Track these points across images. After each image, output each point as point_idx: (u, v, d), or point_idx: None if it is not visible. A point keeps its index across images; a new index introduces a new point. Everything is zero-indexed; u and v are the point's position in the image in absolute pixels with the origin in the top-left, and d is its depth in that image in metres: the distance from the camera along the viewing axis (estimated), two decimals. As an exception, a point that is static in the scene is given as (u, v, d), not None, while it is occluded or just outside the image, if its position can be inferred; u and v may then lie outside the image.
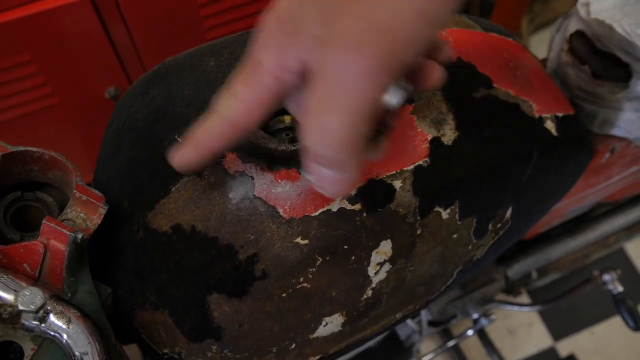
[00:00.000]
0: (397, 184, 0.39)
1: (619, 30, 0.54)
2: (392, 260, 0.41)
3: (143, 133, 0.42)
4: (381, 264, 0.41)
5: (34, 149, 0.39)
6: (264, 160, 0.38)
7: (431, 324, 0.97)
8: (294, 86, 0.30)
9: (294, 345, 0.43)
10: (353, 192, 0.38)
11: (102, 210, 0.38)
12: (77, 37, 0.90)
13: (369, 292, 0.42)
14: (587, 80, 0.58)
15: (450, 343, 0.98)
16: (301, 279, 0.38)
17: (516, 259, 0.96)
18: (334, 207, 0.38)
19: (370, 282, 0.42)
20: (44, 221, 0.36)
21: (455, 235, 0.44)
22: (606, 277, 0.85)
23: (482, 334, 1.05)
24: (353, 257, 0.39)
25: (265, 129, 0.39)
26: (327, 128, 0.27)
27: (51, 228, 0.35)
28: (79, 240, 0.36)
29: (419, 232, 0.41)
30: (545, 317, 1.35)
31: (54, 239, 0.36)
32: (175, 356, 0.42)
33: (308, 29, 0.28)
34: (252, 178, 0.38)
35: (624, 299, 0.85)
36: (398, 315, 0.49)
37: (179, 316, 0.40)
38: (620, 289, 0.85)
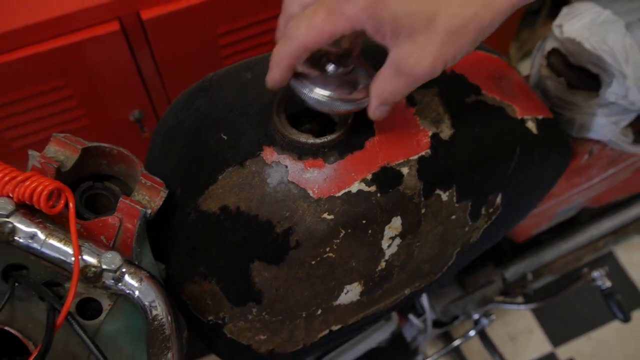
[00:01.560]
0: (405, 170, 0.48)
1: (588, 46, 0.63)
2: (402, 235, 0.49)
3: (191, 134, 0.51)
4: (393, 238, 0.49)
5: (106, 145, 0.48)
6: (295, 152, 0.47)
7: (435, 324, 1.04)
8: None
9: (319, 312, 0.51)
10: (369, 177, 0.47)
11: (164, 193, 0.46)
12: (108, 64, 1.00)
13: (383, 264, 0.50)
14: (563, 90, 0.67)
15: (456, 343, 1.05)
16: (327, 249, 0.46)
17: (512, 262, 1.04)
18: (354, 189, 0.46)
19: (384, 254, 0.50)
20: (120, 199, 0.44)
21: (453, 217, 0.52)
22: (595, 273, 0.93)
23: (483, 336, 1.12)
24: (370, 231, 0.47)
25: (296, 127, 0.48)
26: (397, 89, 0.42)
27: (126, 204, 0.44)
28: (148, 215, 0.44)
29: (423, 211, 0.49)
30: (544, 323, 1.42)
31: (128, 214, 0.44)
32: (219, 321, 0.50)
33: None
34: (286, 167, 0.46)
35: (612, 294, 0.92)
36: (407, 291, 0.57)
37: (225, 284, 0.48)
38: (608, 284, 0.93)
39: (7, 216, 0.42)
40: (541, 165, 0.59)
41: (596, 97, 0.66)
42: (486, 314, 1.02)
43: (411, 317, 0.95)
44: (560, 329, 1.41)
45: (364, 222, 0.47)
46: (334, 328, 0.55)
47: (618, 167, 0.81)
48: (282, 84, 0.44)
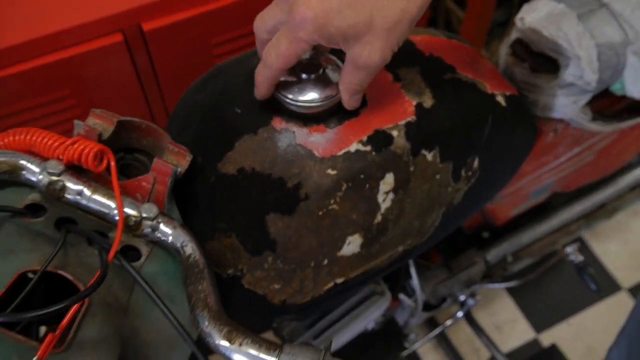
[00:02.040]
0: (395, 133, 0.56)
1: (546, 34, 0.73)
2: (394, 190, 0.57)
3: (209, 110, 0.58)
4: (387, 193, 0.57)
5: (137, 120, 0.55)
6: (301, 120, 0.55)
7: (425, 308, 1.11)
8: None
9: (326, 261, 0.58)
10: (364, 138, 0.55)
11: (189, 157, 0.54)
12: (111, 74, 1.07)
13: (379, 217, 0.58)
14: (527, 74, 0.76)
15: (447, 323, 1.12)
16: (332, 201, 0.54)
17: (493, 245, 1.12)
18: (352, 149, 0.54)
19: (380, 207, 0.57)
20: (154, 159, 0.51)
21: (437, 176, 0.60)
22: (568, 249, 1.02)
23: (470, 319, 1.20)
24: (367, 185, 0.55)
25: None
26: (360, 80, 0.50)
27: (160, 164, 0.51)
28: (178, 174, 0.52)
29: (411, 169, 0.57)
30: (527, 312, 1.49)
31: (161, 173, 0.51)
32: (238, 273, 0.57)
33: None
34: (294, 132, 0.54)
35: (585, 267, 1.01)
36: (400, 249, 0.65)
37: (243, 236, 0.55)
38: (580, 258, 1.01)
39: (58, 175, 0.49)
40: (511, 135, 0.67)
41: (556, 79, 0.75)
42: (472, 295, 1.10)
43: (402, 297, 1.02)
44: (542, 317, 1.49)
45: (362, 176, 0.54)
46: (338, 281, 0.62)
47: (582, 145, 0.91)
48: (268, 96, 0.54)
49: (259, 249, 0.55)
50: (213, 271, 0.48)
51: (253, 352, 0.42)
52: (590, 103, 0.79)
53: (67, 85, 1.05)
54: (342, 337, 0.92)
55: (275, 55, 0.49)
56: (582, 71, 0.73)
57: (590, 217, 1.22)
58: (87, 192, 0.49)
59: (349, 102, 0.53)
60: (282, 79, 0.53)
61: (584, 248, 1.58)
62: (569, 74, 0.73)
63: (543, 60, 0.76)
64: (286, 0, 0.48)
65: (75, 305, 0.44)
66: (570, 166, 0.95)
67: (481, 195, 0.71)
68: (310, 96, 0.53)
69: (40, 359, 0.41)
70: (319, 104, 0.53)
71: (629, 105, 0.86)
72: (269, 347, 0.42)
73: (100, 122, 0.53)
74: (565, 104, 0.77)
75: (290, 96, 0.53)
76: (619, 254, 1.60)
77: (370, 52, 0.48)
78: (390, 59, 0.49)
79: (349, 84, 0.51)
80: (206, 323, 0.44)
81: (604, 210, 1.25)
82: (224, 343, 0.43)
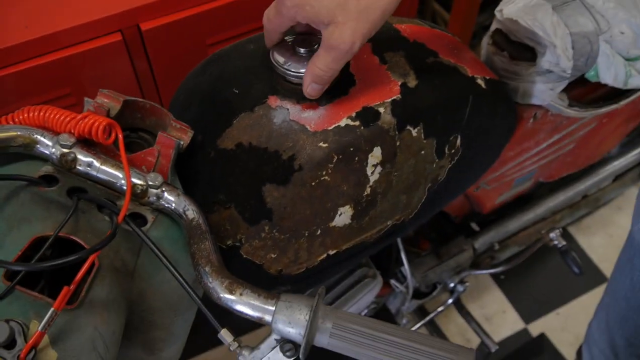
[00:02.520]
0: (381, 109, 0.60)
1: (523, 24, 0.77)
2: (382, 163, 0.61)
3: (207, 91, 0.62)
4: (375, 166, 0.61)
5: (141, 100, 0.59)
6: (294, 98, 0.59)
7: (415, 296, 1.15)
8: None
9: (319, 232, 0.62)
10: (353, 114, 0.59)
11: (190, 133, 0.58)
12: (110, 72, 1.11)
13: (368, 190, 0.62)
14: (507, 62, 0.81)
15: (440, 308, 1.16)
16: (324, 172, 0.58)
17: (480, 233, 1.16)
18: (342, 123, 0.58)
19: (369, 180, 0.61)
20: (159, 133, 0.55)
21: (422, 152, 0.64)
22: (552, 234, 1.06)
23: (460, 306, 1.23)
24: (356, 158, 0.59)
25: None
26: (326, 64, 0.53)
27: (164, 137, 0.55)
28: (181, 146, 0.56)
29: (398, 143, 0.61)
30: (515, 303, 1.53)
31: (165, 145, 0.55)
32: (237, 243, 0.61)
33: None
34: (288, 109, 0.58)
35: (567, 250, 1.05)
36: (389, 223, 0.69)
37: (242, 207, 0.59)
38: (563, 242, 1.06)
39: (70, 147, 0.52)
40: (491, 116, 0.72)
41: (534, 66, 0.80)
42: (461, 282, 1.14)
43: (394, 282, 1.06)
44: (531, 308, 1.53)
45: (351, 149, 0.59)
46: (331, 252, 0.66)
47: (562, 133, 0.95)
48: (275, 42, 0.59)
49: (257, 218, 0.59)
50: (214, 236, 0.52)
51: (253, 301, 0.46)
52: (568, 90, 0.84)
53: (67, 84, 1.08)
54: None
55: (266, 19, 0.56)
56: (557, 58, 0.78)
57: (574, 207, 1.26)
58: (96, 163, 0.53)
59: (307, 87, 0.55)
60: (281, 54, 0.57)
61: (570, 241, 1.63)
62: (545, 61, 0.78)
63: (521, 49, 0.80)
64: None
65: (87, 264, 0.48)
66: (551, 154, 0.99)
67: (465, 175, 0.75)
68: (304, 69, 0.56)
69: (56, 310, 0.45)
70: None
71: (605, 93, 0.91)
72: (267, 296, 0.46)
73: (108, 100, 0.56)
74: (543, 90, 0.82)
75: (288, 70, 0.57)
76: (604, 247, 1.64)
77: (341, 33, 0.51)
78: (361, 46, 0.52)
79: (314, 66, 0.54)
80: (209, 278, 0.47)
81: (587, 201, 1.30)
82: (227, 295, 0.47)
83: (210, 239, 0.50)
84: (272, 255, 0.62)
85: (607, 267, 1.61)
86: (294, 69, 0.56)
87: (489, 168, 0.83)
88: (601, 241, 1.65)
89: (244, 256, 0.62)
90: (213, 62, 0.65)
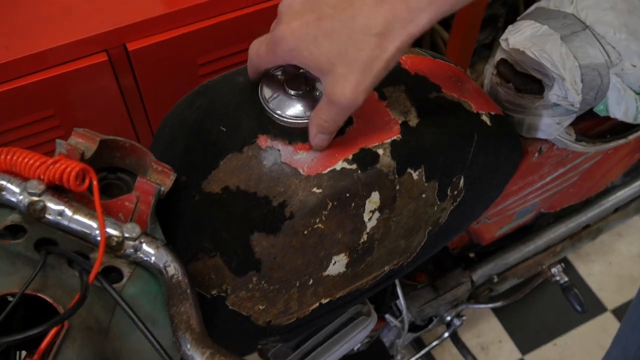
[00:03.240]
0: (380, 151, 0.56)
1: (530, 55, 0.74)
2: (380, 209, 0.57)
3: (194, 128, 0.58)
4: (373, 212, 0.56)
5: (120, 139, 0.54)
6: (286, 138, 0.54)
7: (411, 329, 1.10)
8: None
9: (311, 281, 0.57)
10: (350, 157, 0.54)
11: (173, 176, 0.53)
12: (95, 93, 1.06)
13: (365, 236, 0.57)
14: (512, 94, 0.77)
15: (434, 343, 1.11)
16: (317, 220, 0.54)
17: (479, 265, 1.12)
18: (338, 167, 0.54)
19: (366, 227, 0.57)
20: (138, 178, 0.50)
21: (424, 195, 0.60)
22: (553, 270, 1.02)
23: (456, 339, 1.19)
24: (353, 204, 0.55)
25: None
26: (330, 117, 0.50)
27: (143, 183, 0.50)
28: (162, 193, 0.51)
29: (397, 187, 0.57)
30: (512, 333, 1.49)
31: (144, 192, 0.50)
32: (222, 294, 0.56)
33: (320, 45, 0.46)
34: (279, 150, 0.54)
35: (570, 287, 1.01)
36: (386, 269, 0.64)
37: (228, 256, 0.54)
38: (565, 279, 1.01)
39: (39, 195, 0.48)
40: (496, 154, 0.68)
41: (541, 99, 0.76)
42: (458, 315, 1.09)
43: (389, 317, 1.01)
44: (527, 338, 1.49)
45: (347, 195, 0.54)
46: (324, 301, 0.61)
47: (567, 166, 0.91)
48: (255, 81, 0.56)
49: (244, 269, 0.54)
50: (196, 292, 0.47)
51: (238, 376, 0.41)
52: (575, 124, 0.80)
53: (51, 105, 1.04)
54: (328, 359, 0.91)
55: (255, 54, 0.52)
56: (566, 92, 0.74)
57: (575, 238, 1.22)
58: (68, 212, 0.48)
59: (314, 138, 0.52)
60: (270, 94, 0.53)
61: (569, 269, 1.59)
62: (553, 95, 0.74)
63: (528, 81, 0.76)
64: (276, 20, 0.49)
65: (54, 329, 0.43)
66: (555, 187, 0.95)
67: (467, 215, 0.71)
68: (297, 112, 0.53)
69: (16, 384, 0.40)
70: (305, 120, 0.53)
71: (613, 126, 0.87)
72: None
73: (83, 141, 0.52)
74: (550, 124, 0.78)
75: (278, 111, 0.53)
76: (604, 275, 1.60)
77: (342, 87, 0.47)
78: (364, 100, 0.48)
79: (319, 118, 0.50)
80: (188, 346, 0.42)
81: (588, 231, 1.26)
82: (207, 366, 0.42)
83: (191, 300, 0.46)
84: (260, 307, 0.57)
85: (606, 296, 1.57)
86: (285, 111, 0.52)
87: (490, 205, 0.79)
88: (601, 269, 1.62)
89: (230, 307, 0.57)
90: (200, 93, 0.61)
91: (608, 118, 0.81)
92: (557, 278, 1.01)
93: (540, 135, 0.79)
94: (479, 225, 0.95)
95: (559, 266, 1.02)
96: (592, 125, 0.87)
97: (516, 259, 1.14)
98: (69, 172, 0.47)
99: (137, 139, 1.21)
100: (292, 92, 0.53)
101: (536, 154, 0.83)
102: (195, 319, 0.44)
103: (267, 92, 0.54)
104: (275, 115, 0.53)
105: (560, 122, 0.78)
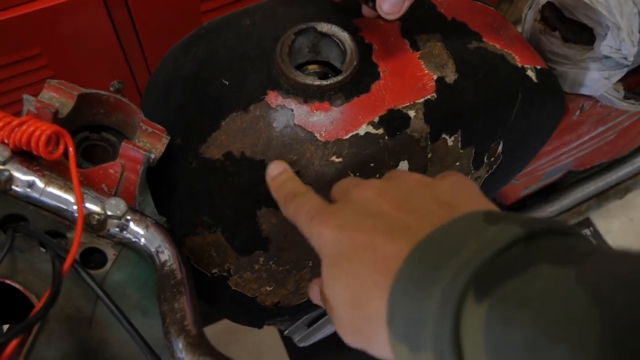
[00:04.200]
0: (412, 113, 0.47)
1: (583, -2, 0.63)
2: (408, 181, 0.48)
3: (190, 80, 0.49)
4: (399, 184, 0.48)
5: (102, 92, 0.46)
6: (301, 96, 0.45)
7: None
8: None
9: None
10: (376, 119, 0.46)
11: (165, 139, 0.45)
12: (85, 30, 0.96)
13: (389, 211, 0.50)
14: (557, 44, 0.67)
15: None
16: (335, 194, 0.45)
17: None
18: (361, 132, 0.45)
19: (390, 201, 0.49)
20: (122, 144, 0.42)
21: (457, 164, 0.52)
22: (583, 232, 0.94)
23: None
24: (378, 175, 0.47)
25: (301, 71, 0.46)
26: None
27: (129, 149, 0.42)
28: (151, 161, 0.43)
29: (429, 156, 0.49)
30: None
31: (130, 160, 0.42)
32: (224, 274, 0.49)
33: None
34: (292, 110, 0.45)
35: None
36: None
37: (230, 233, 0.47)
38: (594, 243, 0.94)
39: (3, 163, 0.40)
40: (540, 114, 0.59)
41: (590, 50, 0.66)
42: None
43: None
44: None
45: (372, 165, 0.46)
46: (339, 280, 0.54)
47: (607, 125, 0.82)
48: None
49: (249, 248, 0.47)
50: (193, 282, 0.40)
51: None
52: (623, 79, 0.70)
53: (36, 43, 0.94)
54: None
55: None
56: (620, 43, 0.64)
57: (602, 196, 1.15)
58: (39, 183, 0.40)
59: (385, 3, 0.42)
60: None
61: (589, 225, 1.52)
62: (605, 46, 0.64)
63: (577, 29, 0.66)
64: None
65: (10, 347, 0.36)
66: (591, 146, 0.87)
67: (500, 181, 0.63)
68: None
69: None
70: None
71: (663, 81, 0.77)
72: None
73: (57, 95, 0.43)
74: (597, 79, 0.68)
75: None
76: (624, 232, 1.54)
77: None
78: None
79: None
80: (182, 351, 0.35)
81: (616, 190, 1.18)
82: (205, 377, 0.35)
83: (187, 293, 0.38)
84: (268, 288, 0.50)
85: (625, 253, 1.50)
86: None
87: (524, 168, 0.71)
88: (621, 225, 1.54)
89: (233, 288, 0.50)
90: (199, 39, 0.51)
91: (660, 72, 0.72)
92: (584, 243, 0.94)
93: (585, 91, 0.70)
94: (506, 186, 0.87)
95: (587, 230, 0.94)
96: (638, 80, 0.77)
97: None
98: (39, 136, 0.39)
99: (134, 82, 1.11)
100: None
101: (577, 112, 0.74)
102: (191, 318, 0.37)
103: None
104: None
105: (609, 77, 0.68)
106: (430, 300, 0.25)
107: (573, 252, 0.24)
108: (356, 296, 0.29)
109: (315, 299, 0.38)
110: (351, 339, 0.32)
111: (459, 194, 0.32)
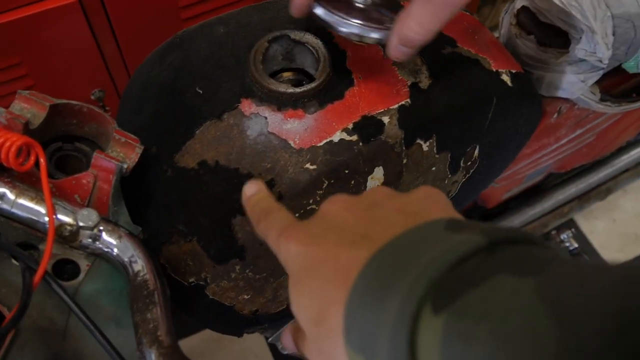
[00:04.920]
0: (386, 119, 0.47)
1: (557, 3, 0.64)
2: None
3: (165, 89, 0.49)
4: (375, 190, 0.48)
5: (75, 102, 0.45)
6: (274, 103, 0.46)
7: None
8: None
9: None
10: (350, 126, 0.46)
11: (139, 149, 0.45)
12: (65, 39, 0.96)
13: (366, 217, 0.50)
14: (533, 48, 0.68)
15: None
16: (310, 201, 0.46)
17: (483, 229, 1.05)
18: (336, 138, 0.46)
19: (367, 206, 0.49)
20: (94, 154, 0.42)
21: (434, 168, 0.52)
22: (563, 235, 0.95)
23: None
24: (352, 182, 0.47)
25: (275, 79, 0.46)
26: (427, 27, 0.40)
27: (101, 159, 0.42)
28: (124, 171, 0.43)
29: (404, 161, 0.49)
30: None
31: (103, 170, 0.42)
32: (201, 282, 0.49)
33: None
34: (266, 118, 0.45)
35: (579, 255, 0.94)
36: (388, 248, 0.57)
37: (206, 242, 0.47)
38: (575, 245, 0.95)
39: (-27, 174, 0.39)
40: (516, 118, 0.59)
41: (566, 54, 0.67)
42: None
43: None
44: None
45: (346, 171, 0.46)
46: (318, 287, 0.54)
47: (585, 127, 0.83)
48: (306, 9, 0.44)
49: (225, 256, 0.47)
50: (167, 292, 0.40)
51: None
52: (599, 81, 0.71)
53: (16, 52, 0.93)
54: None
55: None
56: (594, 46, 0.65)
57: (583, 198, 1.16)
58: (10, 195, 0.40)
59: (394, 49, 0.42)
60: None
61: (571, 226, 1.53)
62: (580, 49, 0.65)
63: (552, 33, 0.67)
64: None
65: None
66: (570, 148, 0.87)
67: (479, 185, 0.63)
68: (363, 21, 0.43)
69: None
70: (373, 30, 0.43)
71: (639, 83, 0.78)
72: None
73: (29, 106, 0.43)
74: (573, 82, 0.69)
75: (338, 16, 0.43)
76: (607, 233, 1.55)
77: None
78: None
79: (407, 26, 0.40)
80: (155, 362, 0.35)
81: (598, 191, 1.19)
82: (178, 388, 0.35)
83: (160, 304, 0.38)
84: (245, 297, 0.50)
85: (608, 254, 1.52)
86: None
87: (502, 172, 0.71)
88: (604, 226, 1.56)
89: (210, 297, 0.50)
90: (173, 47, 0.51)
91: (635, 75, 0.73)
92: (567, 244, 0.95)
93: (562, 94, 0.71)
94: (487, 189, 0.88)
95: (569, 232, 0.95)
96: (616, 82, 0.78)
97: (522, 221, 1.07)
98: (9, 147, 0.39)
99: (116, 91, 1.11)
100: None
101: (555, 115, 0.74)
102: (164, 329, 0.37)
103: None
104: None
105: (585, 80, 0.69)
106: (386, 311, 0.24)
107: (534, 262, 0.24)
108: (318, 311, 0.28)
109: (288, 344, 0.36)
110: None
111: (427, 204, 0.31)
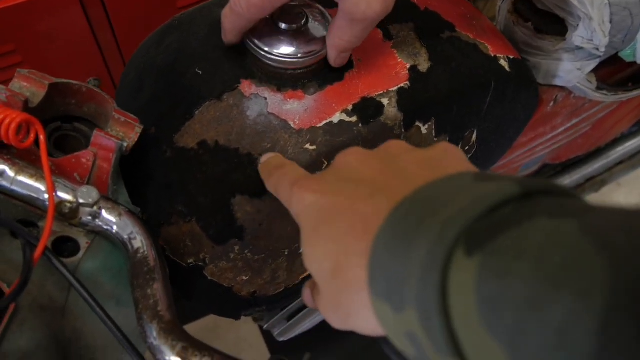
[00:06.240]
0: (385, 101, 0.47)
1: (554, -11, 0.64)
2: (382, 168, 0.49)
3: (164, 71, 0.49)
4: (374, 172, 0.49)
5: (74, 82, 0.45)
6: (274, 84, 0.46)
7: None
8: None
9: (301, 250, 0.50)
10: (350, 107, 0.46)
11: (138, 128, 0.45)
12: (61, 27, 0.95)
13: (364, 199, 0.50)
14: (530, 35, 0.68)
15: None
16: (310, 182, 0.46)
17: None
18: (335, 119, 0.46)
19: (365, 188, 0.49)
20: (94, 132, 0.42)
21: (432, 152, 0.52)
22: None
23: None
24: (352, 163, 0.47)
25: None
26: (352, 36, 0.41)
27: (101, 137, 0.42)
28: (124, 149, 0.42)
29: (404, 143, 0.49)
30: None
31: (103, 148, 0.42)
32: (200, 263, 0.49)
33: None
34: (266, 99, 0.45)
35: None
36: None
37: (205, 222, 0.47)
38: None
39: (-28, 151, 0.39)
40: (513, 104, 0.59)
41: (562, 41, 0.67)
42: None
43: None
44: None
45: (346, 153, 0.46)
46: (316, 270, 0.54)
47: (580, 117, 0.84)
48: (236, 42, 0.46)
49: (224, 236, 0.47)
50: (167, 270, 0.40)
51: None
52: (595, 70, 0.71)
53: (11, 39, 0.93)
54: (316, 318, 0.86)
55: (245, 4, 0.40)
56: (591, 33, 0.65)
57: (578, 190, 1.16)
58: (10, 172, 0.40)
59: (336, 59, 0.45)
60: (257, 27, 0.45)
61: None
62: (577, 36, 0.65)
63: (549, 20, 0.67)
64: None
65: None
66: (566, 138, 0.88)
67: (476, 172, 0.64)
68: (289, 50, 0.44)
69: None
70: (297, 59, 0.44)
71: (635, 72, 0.79)
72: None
73: (28, 85, 0.43)
74: (570, 70, 0.69)
75: (265, 48, 0.44)
76: (601, 225, 1.56)
77: (369, 1, 0.39)
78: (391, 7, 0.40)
79: (339, 39, 0.43)
80: (155, 336, 0.35)
81: (592, 183, 1.20)
82: (178, 362, 0.35)
83: (160, 280, 0.38)
84: (244, 278, 0.50)
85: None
86: (275, 50, 0.43)
87: (499, 159, 0.72)
88: (597, 219, 1.57)
89: (209, 278, 0.50)
90: (172, 30, 0.51)
91: (632, 64, 0.73)
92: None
93: (558, 82, 0.71)
94: (483, 178, 0.88)
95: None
96: (613, 71, 0.79)
97: (517, 212, 1.08)
98: (9, 124, 0.39)
99: (111, 80, 1.10)
100: (284, 26, 0.44)
101: (551, 103, 0.75)
102: (165, 304, 0.37)
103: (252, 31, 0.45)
104: (262, 53, 0.44)
105: (582, 68, 0.69)
106: (415, 254, 0.23)
107: (573, 208, 0.22)
108: (336, 263, 0.28)
109: (308, 300, 0.37)
110: (333, 317, 0.30)
111: (447, 159, 0.31)
